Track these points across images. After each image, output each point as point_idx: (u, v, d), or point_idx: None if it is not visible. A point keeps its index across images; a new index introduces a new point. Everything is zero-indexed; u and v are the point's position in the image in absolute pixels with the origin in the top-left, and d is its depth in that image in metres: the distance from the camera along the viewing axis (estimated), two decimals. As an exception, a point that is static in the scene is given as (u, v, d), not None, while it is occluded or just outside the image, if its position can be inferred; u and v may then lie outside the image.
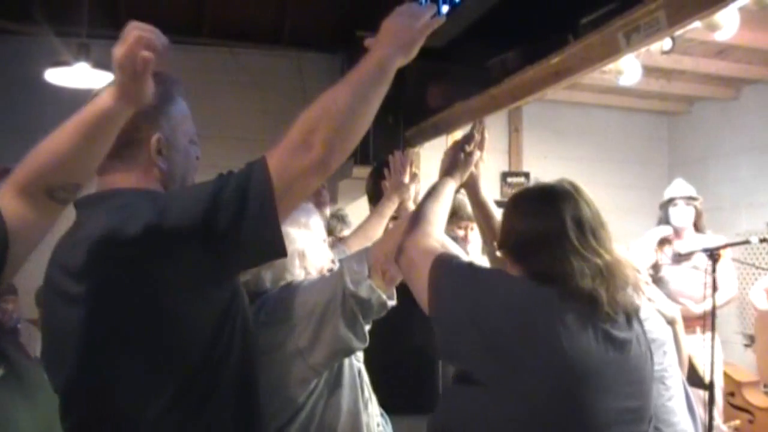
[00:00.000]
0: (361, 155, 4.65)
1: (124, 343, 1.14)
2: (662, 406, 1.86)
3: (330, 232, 2.90)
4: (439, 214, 1.49)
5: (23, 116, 4.10)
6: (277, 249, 1.14)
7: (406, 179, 2.28)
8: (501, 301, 1.24)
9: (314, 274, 1.69)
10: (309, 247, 1.69)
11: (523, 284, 1.27)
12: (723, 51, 4.12)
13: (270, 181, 1.09)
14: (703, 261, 3.39)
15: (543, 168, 5.31)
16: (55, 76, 3.94)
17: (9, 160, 1.24)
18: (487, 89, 3.85)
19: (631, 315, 1.29)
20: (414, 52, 1.27)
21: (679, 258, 3.75)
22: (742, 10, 2.99)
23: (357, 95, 1.15)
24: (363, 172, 3.82)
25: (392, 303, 1.51)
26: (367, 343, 1.55)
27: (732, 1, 2.37)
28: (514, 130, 5.47)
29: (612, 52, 2.86)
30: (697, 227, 3.94)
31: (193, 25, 5.17)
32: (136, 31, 1.04)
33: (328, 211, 2.72)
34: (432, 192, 1.56)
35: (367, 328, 1.52)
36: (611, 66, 3.49)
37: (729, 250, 3.88)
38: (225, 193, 1.10)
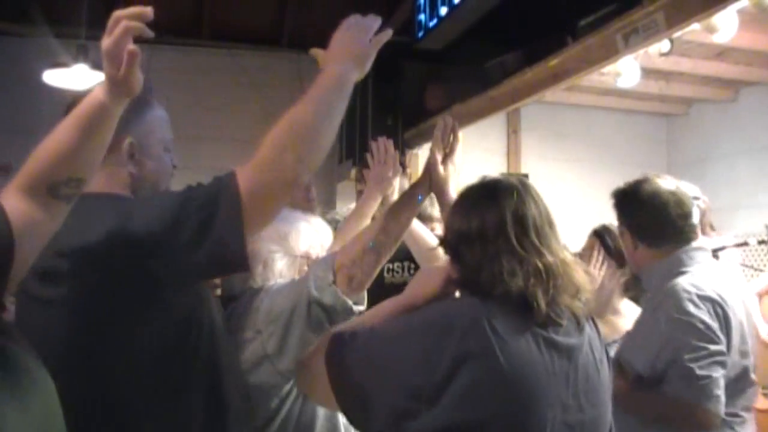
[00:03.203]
0: (359, 157, 4.63)
1: (94, 342, 1.17)
2: None
3: None
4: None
5: (22, 117, 4.10)
6: (241, 263, 1.16)
7: (390, 173, 1.99)
8: (413, 337, 1.15)
9: (278, 281, 1.62)
10: (275, 258, 1.63)
11: (443, 304, 1.21)
12: (722, 53, 4.12)
13: (239, 196, 1.12)
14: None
15: (541, 169, 5.30)
16: (54, 77, 3.94)
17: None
18: (485, 91, 3.86)
19: (581, 319, 1.20)
20: (368, 66, 1.29)
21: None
22: (740, 12, 3.00)
23: (320, 112, 1.19)
24: (362, 174, 3.81)
25: (360, 308, 1.47)
26: None
27: (730, 3, 2.37)
28: (513, 131, 5.46)
29: (610, 53, 2.86)
30: (702, 227, 3.92)
31: (193, 26, 5.16)
32: (124, 21, 1.04)
33: (313, 207, 2.55)
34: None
35: None
36: (610, 68, 3.49)
37: (739, 254, 3.88)
38: (192, 205, 1.13)
